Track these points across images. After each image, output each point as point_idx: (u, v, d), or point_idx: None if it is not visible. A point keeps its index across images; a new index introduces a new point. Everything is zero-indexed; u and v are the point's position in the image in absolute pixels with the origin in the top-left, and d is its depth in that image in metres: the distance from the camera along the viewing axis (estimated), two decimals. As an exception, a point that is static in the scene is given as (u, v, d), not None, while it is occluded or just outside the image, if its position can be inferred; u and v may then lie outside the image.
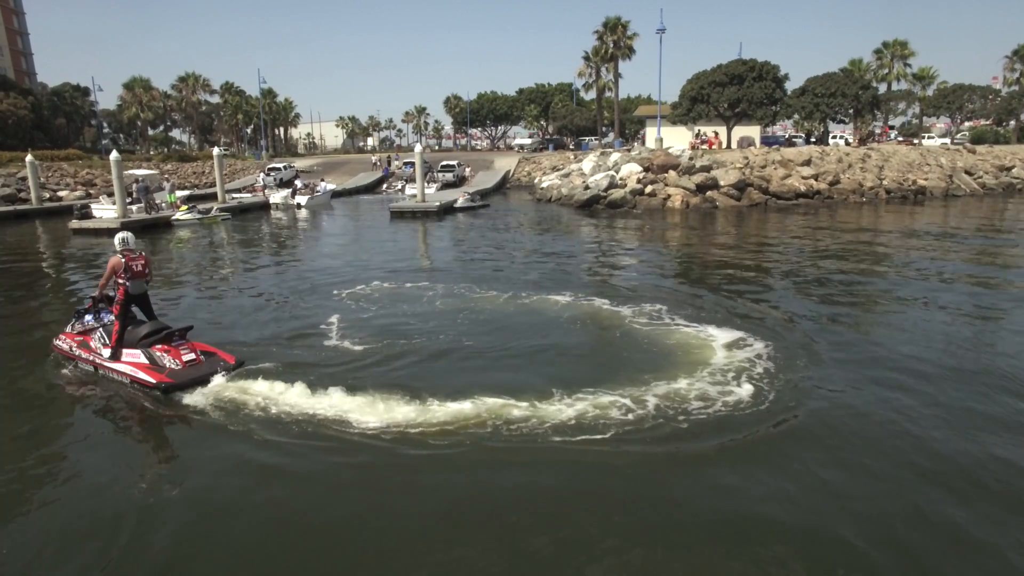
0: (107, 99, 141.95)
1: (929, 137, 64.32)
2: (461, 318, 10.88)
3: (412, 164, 42.18)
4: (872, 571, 4.38)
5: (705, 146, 44.15)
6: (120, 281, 8.08)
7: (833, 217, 26.63)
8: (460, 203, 32.59)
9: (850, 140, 56.14)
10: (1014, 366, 8.14)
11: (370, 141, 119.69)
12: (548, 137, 79.99)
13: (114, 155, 26.75)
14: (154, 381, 7.65)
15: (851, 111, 53.77)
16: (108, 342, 8.23)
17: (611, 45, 60.27)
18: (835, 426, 6.51)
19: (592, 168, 36.79)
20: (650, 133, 56.73)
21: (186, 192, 36.49)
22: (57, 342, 8.99)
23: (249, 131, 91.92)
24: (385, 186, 48.77)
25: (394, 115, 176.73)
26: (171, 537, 4.90)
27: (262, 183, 42.76)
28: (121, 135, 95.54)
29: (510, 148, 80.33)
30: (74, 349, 8.65)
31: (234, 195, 37.50)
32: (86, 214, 27.29)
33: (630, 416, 6.65)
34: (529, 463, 5.83)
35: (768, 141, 55.01)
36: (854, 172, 34.84)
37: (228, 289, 14.32)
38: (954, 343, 9.20)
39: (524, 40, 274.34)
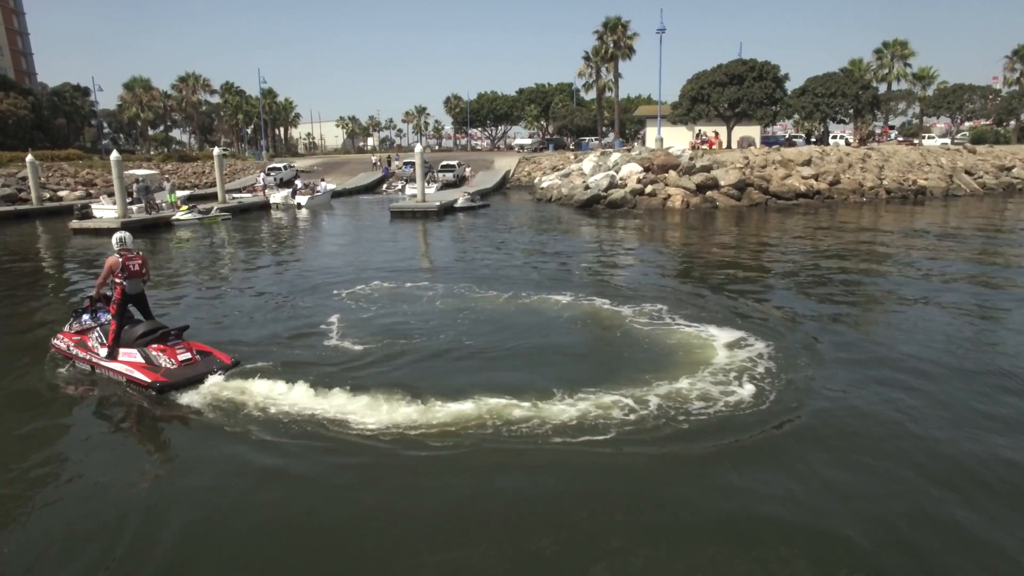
0: (107, 99, 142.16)
1: (929, 137, 64.33)
2: (461, 318, 10.87)
3: (412, 164, 42.17)
4: (875, 571, 4.37)
5: (705, 146, 44.14)
6: (117, 280, 8.11)
7: (833, 217, 26.63)
8: (460, 203, 32.59)
9: (850, 140, 56.13)
10: (1015, 365, 8.13)
11: (370, 141, 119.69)
12: (548, 137, 79.98)
13: (114, 155, 26.75)
14: (149, 380, 7.66)
15: (851, 111, 53.76)
16: (105, 341, 8.25)
17: (611, 45, 60.27)
18: (838, 426, 6.50)
19: (592, 168, 36.79)
20: (650, 133, 56.72)
21: (186, 192, 36.49)
22: (55, 341, 9.00)
23: (249, 131, 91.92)
24: (385, 186, 48.78)
25: (394, 115, 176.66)
26: (173, 538, 4.89)
27: (262, 183, 42.74)
28: (121, 135, 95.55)
29: (510, 148, 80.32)
30: (71, 348, 8.66)
31: (234, 195, 37.50)
32: (86, 214, 27.29)
33: (632, 416, 6.64)
34: (531, 464, 5.81)
35: (768, 141, 55.01)
36: (854, 172, 34.83)
37: (228, 289, 14.32)
38: (955, 342, 9.19)
39: (524, 40, 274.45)
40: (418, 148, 35.87)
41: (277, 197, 36.92)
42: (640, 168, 33.02)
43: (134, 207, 27.76)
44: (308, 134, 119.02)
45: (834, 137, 61.59)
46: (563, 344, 9.41)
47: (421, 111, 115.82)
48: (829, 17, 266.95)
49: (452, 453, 6.02)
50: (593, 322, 10.72)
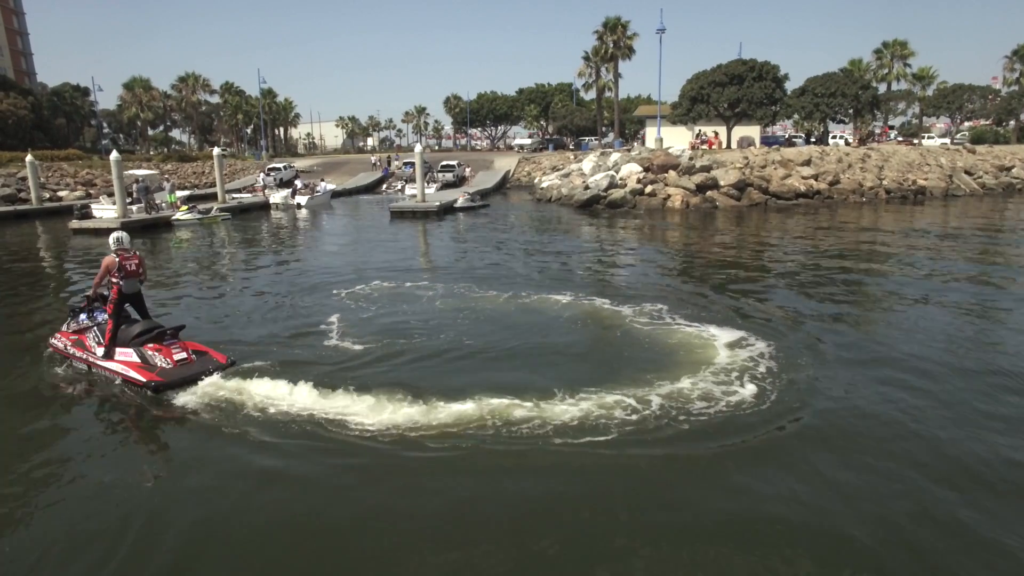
0: (107, 99, 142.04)
1: (929, 137, 64.34)
2: (461, 318, 10.87)
3: (412, 164, 42.16)
4: (879, 571, 4.37)
5: (705, 146, 44.15)
6: (114, 280, 8.14)
7: (833, 217, 26.63)
8: (460, 203, 32.59)
9: (850, 140, 56.14)
10: (1016, 364, 8.13)
11: (370, 141, 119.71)
12: (548, 137, 80.00)
13: (114, 155, 26.75)
14: (144, 380, 7.67)
15: (851, 111, 53.79)
16: (102, 341, 8.26)
17: (611, 45, 60.28)
18: (840, 425, 6.49)
19: (592, 168, 36.79)
20: (650, 133, 56.72)
21: (186, 192, 36.50)
22: (53, 340, 9.02)
23: (249, 131, 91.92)
24: (385, 186, 48.78)
25: (394, 115, 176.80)
26: (175, 540, 4.87)
27: (262, 183, 42.75)
28: (121, 135, 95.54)
29: (510, 148, 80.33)
30: (69, 348, 8.67)
31: (234, 195, 37.49)
32: (86, 214, 27.29)
33: (634, 416, 6.63)
34: (533, 464, 5.79)
35: (768, 141, 55.02)
36: (854, 172, 34.84)
37: (228, 289, 14.32)
38: (957, 342, 9.19)
39: (524, 40, 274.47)
40: (418, 148, 35.88)
41: (277, 197, 36.92)
42: (640, 168, 33.02)
43: (134, 207, 27.76)
44: (308, 134, 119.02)
45: (834, 137, 61.61)
46: (564, 344, 9.41)
47: (421, 111, 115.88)
48: (829, 17, 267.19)
49: (453, 454, 6.00)
50: (593, 322, 10.71)
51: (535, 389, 7.32)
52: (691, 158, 34.05)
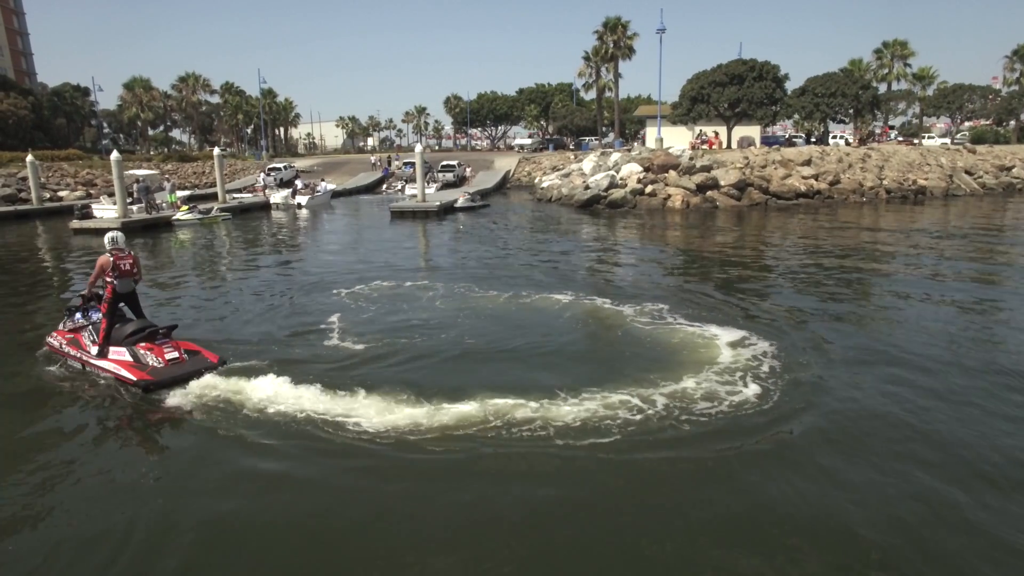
0: (107, 99, 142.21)
1: (929, 137, 64.33)
2: (462, 317, 10.87)
3: (412, 164, 42.16)
4: (889, 570, 4.36)
5: (705, 146, 44.15)
6: (108, 279, 8.19)
7: (834, 217, 26.63)
8: (460, 203, 32.59)
9: (850, 140, 56.12)
10: (1017, 363, 8.14)
11: (370, 141, 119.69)
12: (548, 137, 79.99)
13: (115, 155, 26.76)
14: (134, 379, 7.70)
15: (851, 111, 53.78)
16: (97, 339, 8.30)
17: (611, 45, 60.28)
18: (846, 425, 6.49)
19: (592, 168, 36.79)
20: (650, 133, 56.72)
21: (187, 192, 36.49)
22: (49, 339, 9.06)
23: (249, 131, 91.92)
24: (385, 186, 48.78)
25: (394, 115, 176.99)
26: (178, 543, 4.85)
27: (262, 183, 42.75)
28: (121, 135, 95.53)
29: (510, 148, 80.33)
30: (64, 346, 8.72)
31: (234, 195, 37.49)
32: (87, 214, 27.30)
33: (638, 416, 6.62)
34: (537, 466, 5.77)
35: (768, 141, 55.01)
36: (854, 172, 34.84)
37: (228, 288, 14.32)
38: (960, 340, 9.18)
39: (524, 40, 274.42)
40: (418, 148, 35.88)
41: (277, 197, 36.92)
42: (640, 168, 33.02)
43: (134, 207, 27.77)
44: (308, 134, 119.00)
45: (834, 137, 61.59)
46: (565, 344, 9.41)
47: (421, 111, 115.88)
48: (829, 17, 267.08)
49: (456, 455, 5.98)
50: (595, 321, 10.72)
51: (537, 389, 7.31)
52: (691, 158, 34.05)
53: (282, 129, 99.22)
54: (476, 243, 20.99)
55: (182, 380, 7.69)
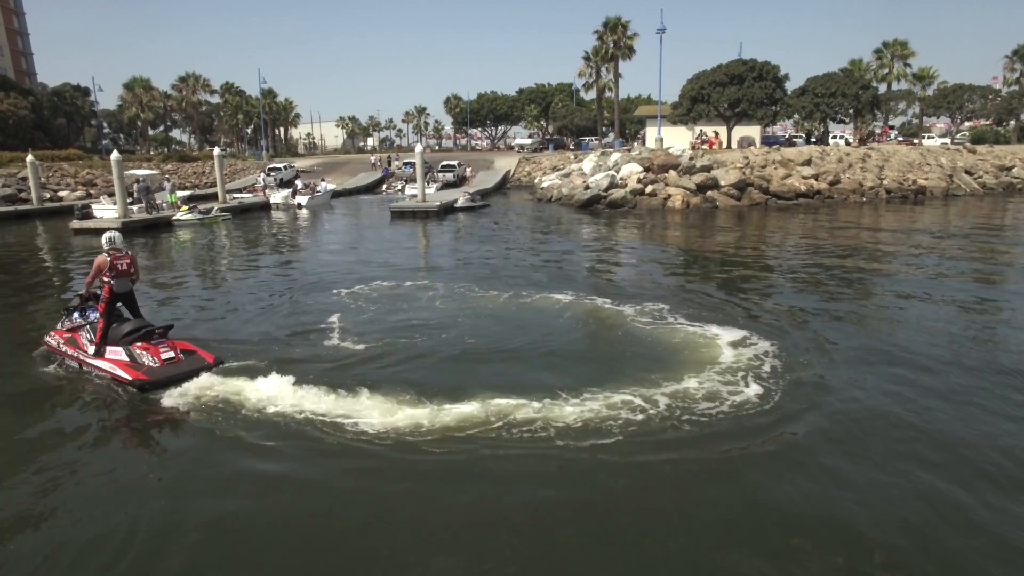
0: (107, 99, 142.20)
1: (929, 137, 64.33)
2: (462, 317, 10.87)
3: (412, 164, 42.16)
4: (894, 570, 4.36)
5: (705, 146, 44.15)
6: (105, 279, 8.22)
7: (834, 217, 26.63)
8: (460, 203, 32.59)
9: (850, 140, 56.13)
10: (1018, 363, 8.13)
11: (370, 141, 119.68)
12: (548, 137, 79.99)
13: (115, 155, 26.76)
14: (130, 378, 7.71)
15: (851, 111, 53.78)
16: (94, 339, 8.33)
17: (611, 45, 60.28)
18: (849, 425, 6.48)
19: (592, 168, 36.79)
20: (650, 133, 56.72)
21: (187, 192, 36.46)
22: (47, 339, 9.08)
23: (249, 131, 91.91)
24: (385, 186, 48.78)
25: (394, 115, 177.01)
26: (180, 545, 4.84)
27: (262, 183, 42.75)
28: (121, 135, 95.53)
29: (510, 148, 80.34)
30: (61, 346, 8.74)
31: (235, 195, 37.49)
32: (87, 214, 27.28)
33: (640, 416, 6.60)
34: (539, 467, 5.75)
35: (768, 141, 55.02)
36: (854, 172, 34.84)
37: (229, 288, 14.32)
38: (962, 340, 9.17)
39: (524, 40, 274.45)
40: (418, 148, 35.87)
41: (277, 197, 36.92)
42: (640, 168, 33.02)
43: (134, 207, 27.76)
44: (308, 134, 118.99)
45: (834, 137, 61.59)
46: (566, 344, 9.40)
47: (421, 111, 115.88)
48: (829, 17, 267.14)
49: (457, 456, 5.95)
50: (595, 321, 10.71)
51: (538, 389, 7.30)
52: (691, 158, 34.05)
53: (282, 129, 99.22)
54: (476, 243, 20.99)
55: (178, 380, 7.70)
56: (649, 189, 31.43)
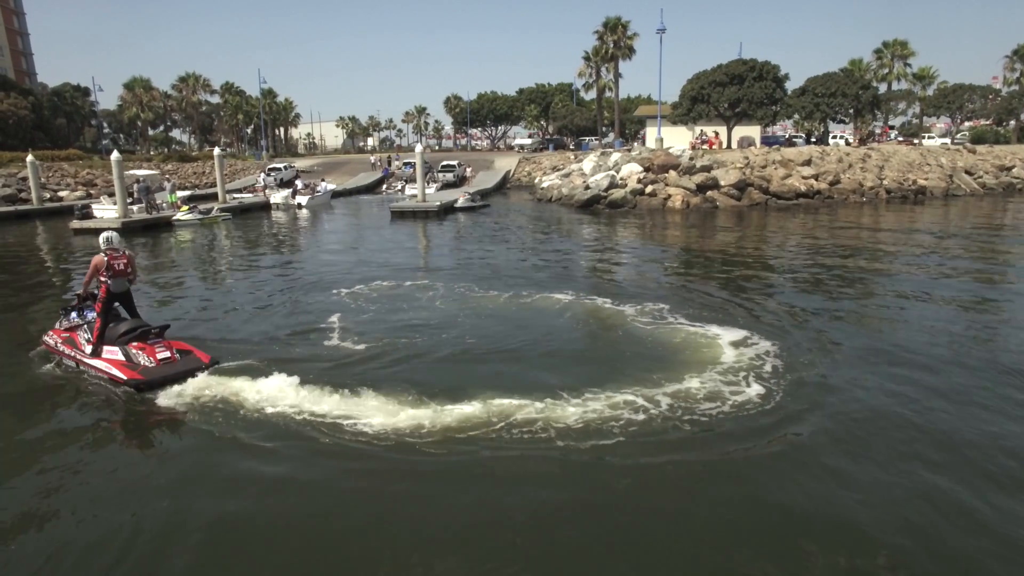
0: (107, 99, 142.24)
1: (929, 137, 64.33)
2: (463, 318, 10.87)
3: (412, 164, 42.15)
4: (895, 570, 4.36)
5: (705, 146, 44.15)
6: (103, 279, 8.24)
7: (834, 217, 26.63)
8: (461, 203, 32.59)
9: (850, 140, 56.12)
10: (1019, 362, 8.13)
11: (370, 141, 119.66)
12: (548, 137, 79.98)
13: (115, 155, 26.76)
14: (125, 378, 7.71)
15: (851, 111, 53.77)
16: (91, 339, 8.34)
17: (611, 45, 60.28)
18: (850, 425, 6.47)
19: (592, 168, 36.79)
20: (650, 133, 56.71)
21: (187, 192, 36.46)
22: (45, 338, 9.09)
23: (249, 131, 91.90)
24: (385, 186, 48.78)
25: (394, 115, 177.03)
26: (181, 547, 4.83)
27: (263, 183, 42.74)
28: (121, 135, 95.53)
29: (510, 148, 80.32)
30: (59, 345, 8.75)
31: (235, 195, 37.48)
32: (87, 214, 27.28)
33: (642, 417, 6.59)
34: (541, 468, 5.73)
35: (768, 141, 55.01)
36: (854, 172, 34.83)
37: (229, 288, 14.31)
38: (964, 339, 9.17)
39: (524, 40, 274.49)
40: (418, 148, 35.87)
41: (277, 197, 36.91)
42: (640, 168, 33.02)
43: (135, 207, 27.75)
44: (308, 134, 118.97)
45: (834, 137, 61.59)
46: (566, 344, 9.40)
47: (421, 111, 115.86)
48: (829, 17, 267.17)
49: (458, 458, 5.94)
50: (596, 321, 10.71)
51: (539, 390, 7.29)
52: (691, 158, 34.04)
53: (282, 129, 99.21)
54: (476, 243, 20.98)
55: (173, 380, 7.70)
56: (649, 189, 31.42)
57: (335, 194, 42.38)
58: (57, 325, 9.14)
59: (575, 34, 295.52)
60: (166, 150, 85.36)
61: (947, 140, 61.25)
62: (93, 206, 28.82)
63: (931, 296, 12.04)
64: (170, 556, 4.67)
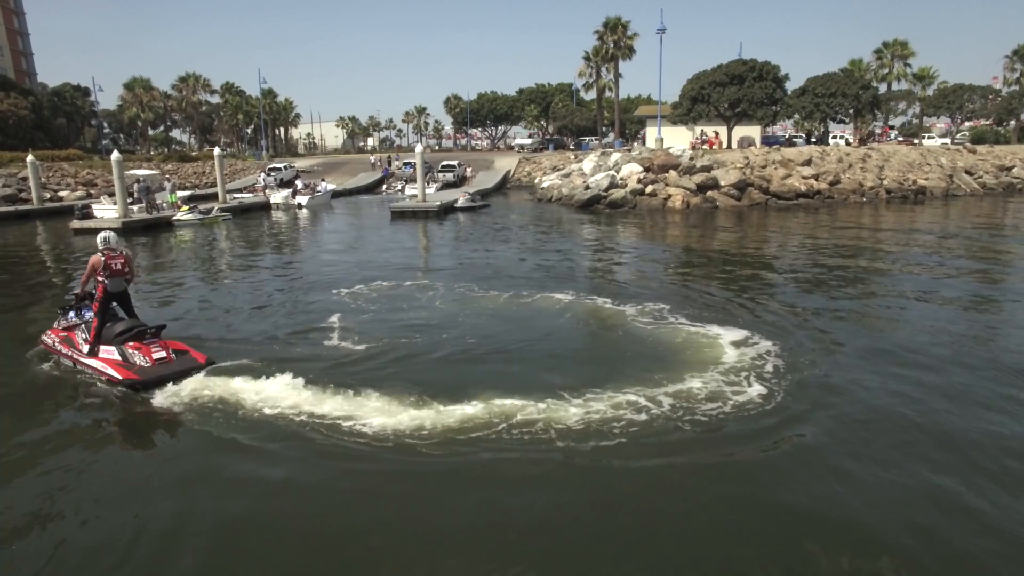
0: (107, 99, 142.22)
1: (929, 137, 64.35)
2: (463, 317, 10.86)
3: (412, 164, 42.14)
4: (900, 571, 4.35)
5: (705, 146, 44.16)
6: (100, 279, 8.25)
7: (834, 217, 26.62)
8: (461, 203, 32.58)
9: (850, 140, 56.12)
10: (1019, 361, 8.12)
11: (370, 141, 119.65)
12: (548, 137, 79.98)
13: (115, 155, 26.78)
14: (120, 377, 7.72)
15: (851, 111, 53.76)
16: (88, 338, 8.35)
17: (611, 45, 60.29)
18: (853, 425, 6.46)
19: (592, 168, 36.79)
20: (650, 133, 56.72)
21: (187, 192, 36.47)
22: (44, 337, 9.10)
23: (249, 131, 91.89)
24: (385, 186, 48.78)
25: (394, 115, 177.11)
26: (182, 545, 4.82)
27: (263, 183, 42.76)
28: (121, 135, 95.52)
29: (510, 148, 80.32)
30: (57, 344, 8.76)
31: (235, 195, 37.49)
32: (87, 214, 27.28)
33: (644, 417, 6.58)
34: (542, 470, 5.71)
35: (768, 141, 55.00)
36: (854, 172, 34.83)
37: (229, 289, 14.31)
38: (963, 339, 9.15)
39: (524, 40, 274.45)
40: (418, 148, 35.87)
41: (278, 197, 36.91)
42: (640, 168, 33.02)
43: (135, 207, 27.75)
44: (308, 134, 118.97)
45: (834, 137, 61.58)
46: (567, 344, 9.39)
47: (421, 111, 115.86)
48: (829, 17, 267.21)
49: (460, 458, 5.92)
50: (596, 321, 10.71)
51: (540, 390, 7.28)
52: (691, 158, 34.04)
53: (282, 129, 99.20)
54: (476, 243, 20.98)
55: (169, 380, 7.70)
56: (649, 189, 31.42)
57: (335, 194, 42.38)
58: (55, 324, 9.15)
59: (575, 34, 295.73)
60: (166, 150, 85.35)
61: (947, 140, 61.26)
62: (93, 206, 28.82)
63: (932, 296, 12.03)
64: (174, 557, 4.66)
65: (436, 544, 4.76)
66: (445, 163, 48.95)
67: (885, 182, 34.42)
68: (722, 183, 30.87)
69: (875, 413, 6.74)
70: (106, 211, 27.43)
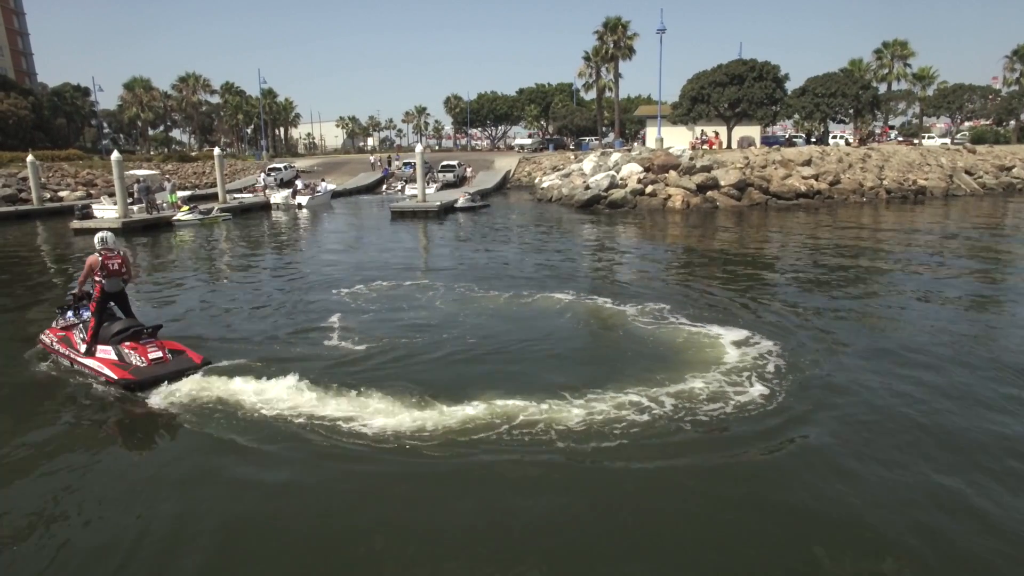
0: (107, 99, 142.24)
1: (929, 137, 64.35)
2: (463, 317, 10.85)
3: (412, 164, 42.14)
4: (904, 571, 4.35)
5: (705, 146, 44.16)
6: (97, 279, 8.26)
7: (834, 217, 26.62)
8: (461, 203, 32.57)
9: (850, 140, 56.13)
10: (1021, 361, 8.12)
11: (370, 141, 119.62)
12: (548, 137, 79.97)
13: (115, 155, 26.75)
14: (116, 377, 7.73)
15: (851, 111, 53.77)
16: (86, 338, 8.36)
17: (611, 45, 60.28)
18: (855, 424, 6.45)
19: (592, 168, 36.78)
20: (650, 133, 56.72)
21: (187, 192, 36.44)
22: (42, 337, 9.12)
23: (249, 131, 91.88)
24: (385, 186, 48.78)
25: (394, 115, 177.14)
26: (184, 546, 4.81)
27: (263, 183, 42.74)
28: (121, 135, 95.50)
29: (510, 148, 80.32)
30: (55, 344, 8.77)
31: (235, 195, 37.47)
32: (87, 214, 27.26)
33: (646, 418, 6.56)
34: (543, 471, 5.70)
35: (768, 141, 55.00)
36: (854, 172, 34.83)
37: (229, 289, 14.29)
38: (965, 339, 9.14)
39: (524, 40, 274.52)
40: (418, 148, 35.85)
41: (278, 197, 36.90)
42: (640, 168, 33.01)
43: (135, 207, 27.73)
44: (308, 134, 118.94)
45: (834, 137, 61.59)
46: (567, 344, 9.38)
47: (421, 111, 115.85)
48: (829, 17, 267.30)
49: (461, 459, 5.90)
50: (596, 321, 10.69)
51: (542, 390, 7.26)
52: (691, 158, 34.04)
53: (282, 129, 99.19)
54: (476, 243, 20.97)
55: (164, 380, 7.70)
56: (649, 189, 31.41)
57: (335, 194, 42.36)
58: (54, 324, 9.16)
59: (575, 34, 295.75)
60: (166, 150, 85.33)
61: (947, 140, 61.25)
62: (93, 206, 28.79)
63: (933, 296, 12.02)
64: (177, 558, 4.64)
65: (437, 544, 4.75)
66: (445, 163, 48.93)
67: (885, 182, 34.42)
68: (722, 183, 30.87)
69: (877, 413, 6.73)
70: (106, 211, 27.40)
